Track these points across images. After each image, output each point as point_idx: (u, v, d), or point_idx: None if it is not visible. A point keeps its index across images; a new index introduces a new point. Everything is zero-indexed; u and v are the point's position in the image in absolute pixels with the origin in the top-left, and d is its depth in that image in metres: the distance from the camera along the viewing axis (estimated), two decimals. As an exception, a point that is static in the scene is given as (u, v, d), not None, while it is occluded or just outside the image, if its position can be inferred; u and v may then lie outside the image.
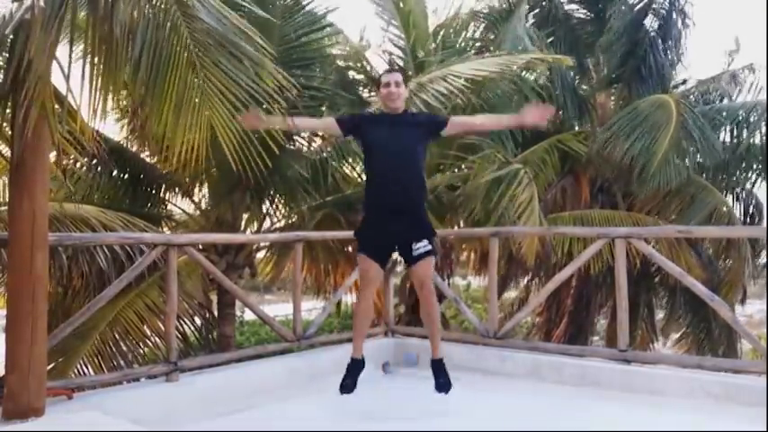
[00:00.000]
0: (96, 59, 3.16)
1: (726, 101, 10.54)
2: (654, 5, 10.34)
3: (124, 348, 6.29)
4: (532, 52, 8.30)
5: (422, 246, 4.02)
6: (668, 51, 10.64)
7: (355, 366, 4.22)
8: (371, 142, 4.15)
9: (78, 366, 5.99)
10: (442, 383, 4.18)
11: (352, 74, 9.28)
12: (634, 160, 8.38)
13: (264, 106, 3.85)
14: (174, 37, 3.35)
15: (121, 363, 6.20)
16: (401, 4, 9.20)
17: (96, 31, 3.14)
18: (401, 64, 9.14)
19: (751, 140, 9.81)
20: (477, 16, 10.05)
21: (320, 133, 8.20)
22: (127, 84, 3.26)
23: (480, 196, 7.76)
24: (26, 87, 3.03)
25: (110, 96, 3.25)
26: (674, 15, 10.51)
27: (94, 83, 3.17)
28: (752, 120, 9.70)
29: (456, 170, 8.72)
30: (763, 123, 9.66)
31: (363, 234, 4.20)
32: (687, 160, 8.69)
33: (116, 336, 6.27)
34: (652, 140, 8.34)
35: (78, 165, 7.09)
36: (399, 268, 7.83)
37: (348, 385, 4.16)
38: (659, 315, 11.57)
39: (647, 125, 8.61)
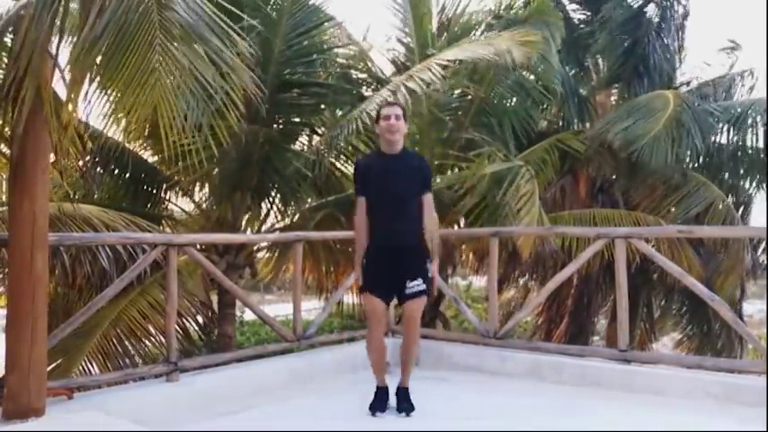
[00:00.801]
0: (78, 45, 3.14)
1: (725, 101, 10.53)
2: (651, 4, 10.33)
3: (128, 346, 6.30)
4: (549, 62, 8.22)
5: (416, 284, 4.14)
6: (668, 51, 10.64)
7: (382, 394, 4.32)
8: (374, 188, 4.28)
9: (82, 365, 6.00)
10: (406, 408, 4.25)
11: (355, 73, 9.28)
12: (620, 134, 8.41)
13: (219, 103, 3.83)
14: (143, 19, 3.32)
15: (126, 361, 6.21)
16: (413, 2, 9.18)
17: (83, 21, 3.13)
18: (405, 62, 9.13)
19: (750, 141, 9.81)
20: (493, 19, 9.97)
21: (319, 131, 8.23)
22: (80, 55, 3.20)
23: (481, 191, 7.75)
24: (15, 79, 3.03)
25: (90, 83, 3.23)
26: (673, 15, 10.51)
27: (78, 72, 3.16)
28: (750, 120, 9.69)
29: (457, 170, 8.71)
30: (763, 123, 9.65)
31: (367, 273, 4.27)
32: (687, 138, 8.67)
33: (120, 334, 6.28)
34: (647, 120, 8.39)
35: (79, 164, 7.09)
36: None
37: (376, 409, 4.25)
38: (659, 315, 11.56)
39: (643, 111, 8.68)
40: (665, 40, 10.55)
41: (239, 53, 3.71)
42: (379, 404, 4.26)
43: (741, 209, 10.45)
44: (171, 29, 3.32)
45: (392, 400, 4.30)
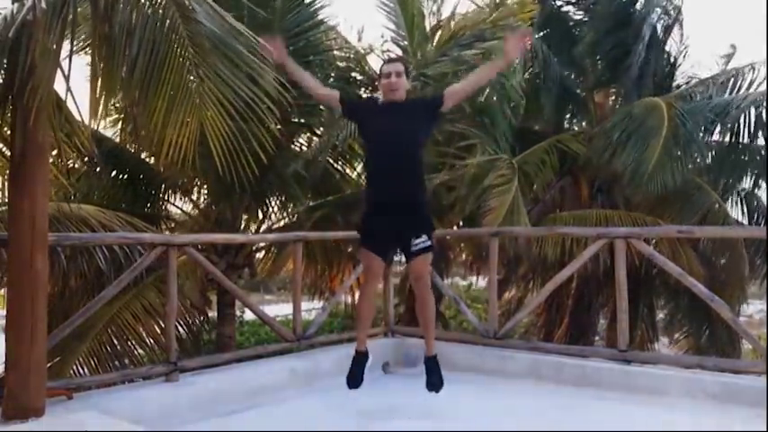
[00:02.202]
0: (96, 58, 3.16)
1: (724, 97, 10.50)
2: (643, 3, 10.33)
3: (120, 350, 6.28)
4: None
5: (421, 241, 3.93)
6: (664, 50, 10.64)
7: (359, 359, 4.10)
8: (371, 133, 4.06)
9: (75, 367, 5.98)
10: (434, 383, 4.02)
11: (352, 75, 9.28)
12: (628, 168, 8.44)
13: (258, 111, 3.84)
14: (172, 37, 3.34)
15: (117, 364, 6.19)
16: (405, 2, 9.20)
17: (96, 30, 3.14)
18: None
19: (751, 140, 9.81)
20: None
21: (318, 131, 8.23)
22: (122, 82, 3.24)
23: (467, 182, 7.80)
24: (30, 90, 3.02)
25: (109, 94, 3.25)
26: (667, 14, 10.52)
27: (95, 82, 3.17)
28: (749, 117, 9.69)
29: (454, 168, 8.71)
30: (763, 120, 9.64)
31: (364, 228, 4.09)
32: (681, 163, 8.67)
33: (113, 337, 6.26)
34: (645, 147, 8.39)
35: (77, 165, 7.10)
36: (399, 268, 7.84)
37: (355, 378, 4.00)
38: (660, 315, 11.56)
39: (642, 131, 8.65)
40: (663, 40, 10.55)
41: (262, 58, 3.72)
42: (356, 371, 3.99)
43: (742, 208, 10.48)
44: (202, 43, 3.33)
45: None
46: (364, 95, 8.77)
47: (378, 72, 4.23)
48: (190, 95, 3.36)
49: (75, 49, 3.18)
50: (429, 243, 3.96)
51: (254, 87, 3.64)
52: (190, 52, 3.33)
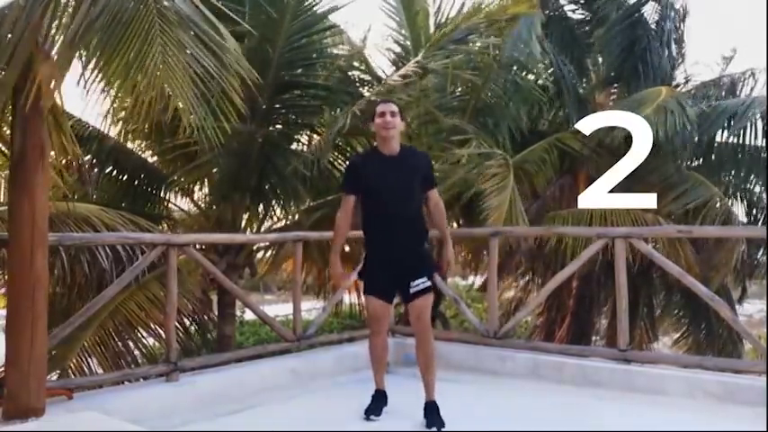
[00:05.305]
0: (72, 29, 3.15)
1: (726, 100, 10.52)
2: (649, 4, 10.34)
3: (125, 338, 6.28)
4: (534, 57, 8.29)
5: (420, 282, 4.06)
6: (667, 51, 10.65)
7: (379, 397, 4.28)
8: (371, 188, 4.12)
9: (78, 357, 5.98)
10: (437, 423, 3.98)
11: (355, 74, 9.28)
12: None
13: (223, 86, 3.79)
14: (140, 8, 3.30)
15: (125, 353, 6.19)
16: (408, 2, 9.22)
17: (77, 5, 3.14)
18: (403, 62, 9.14)
19: (751, 140, 9.82)
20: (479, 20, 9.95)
21: (319, 131, 8.25)
22: (74, 37, 3.17)
23: (458, 181, 7.79)
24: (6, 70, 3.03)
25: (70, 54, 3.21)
26: (671, 15, 10.53)
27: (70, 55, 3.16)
28: (750, 118, 9.69)
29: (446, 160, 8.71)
30: (763, 121, 9.64)
31: (368, 276, 4.24)
32: (686, 155, 8.67)
33: (117, 327, 6.26)
34: (637, 109, 8.41)
35: (73, 164, 7.09)
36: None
37: (373, 412, 4.19)
38: (659, 315, 11.56)
39: (636, 104, 8.69)
40: (664, 40, 10.56)
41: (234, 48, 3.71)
42: (375, 407, 4.19)
43: (743, 207, 10.48)
44: (168, 16, 3.32)
45: (388, 406, 4.28)
46: (367, 94, 8.77)
47: (373, 107, 4.27)
48: (151, 59, 3.29)
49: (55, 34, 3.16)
50: (429, 284, 4.11)
51: (220, 68, 3.60)
52: (155, 21, 3.29)
